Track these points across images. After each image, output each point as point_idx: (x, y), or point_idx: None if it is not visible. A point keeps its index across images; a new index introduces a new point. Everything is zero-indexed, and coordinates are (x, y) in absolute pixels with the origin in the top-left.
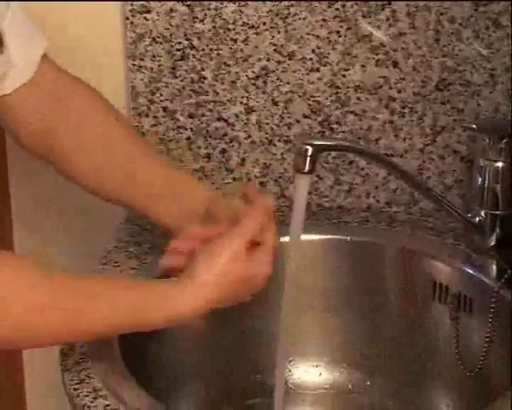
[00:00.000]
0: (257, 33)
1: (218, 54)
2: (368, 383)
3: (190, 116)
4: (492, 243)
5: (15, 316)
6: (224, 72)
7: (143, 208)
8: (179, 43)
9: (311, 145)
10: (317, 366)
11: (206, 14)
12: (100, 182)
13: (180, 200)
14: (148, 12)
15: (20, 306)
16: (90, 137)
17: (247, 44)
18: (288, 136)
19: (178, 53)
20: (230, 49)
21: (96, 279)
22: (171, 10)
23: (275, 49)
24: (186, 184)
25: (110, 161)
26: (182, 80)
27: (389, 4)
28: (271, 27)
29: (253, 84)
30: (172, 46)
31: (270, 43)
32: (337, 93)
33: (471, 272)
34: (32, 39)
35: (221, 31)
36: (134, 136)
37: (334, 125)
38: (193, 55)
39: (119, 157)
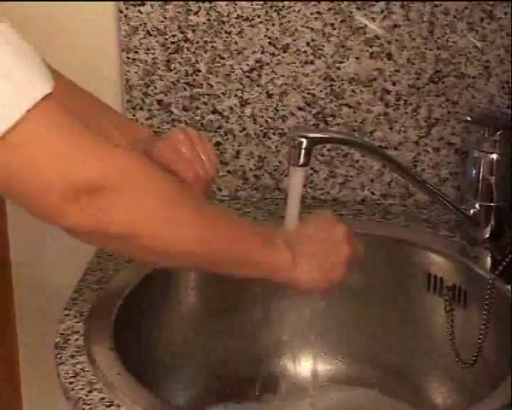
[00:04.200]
0: (251, 26)
1: (213, 47)
2: (362, 375)
3: (185, 109)
4: (487, 235)
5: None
6: (218, 64)
7: None
8: (173, 36)
9: (306, 138)
10: (312, 358)
11: (200, 7)
12: None
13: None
14: (143, 5)
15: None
16: None
17: (241, 37)
18: (282, 128)
19: (173, 46)
20: (225, 41)
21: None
22: (166, 3)
23: (269, 42)
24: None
25: None
26: (176, 73)
27: None
28: (266, 20)
29: (248, 77)
30: (167, 39)
31: (265, 35)
32: (331, 86)
33: (466, 263)
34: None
35: (215, 23)
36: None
37: (329, 118)
38: (187, 47)
39: None
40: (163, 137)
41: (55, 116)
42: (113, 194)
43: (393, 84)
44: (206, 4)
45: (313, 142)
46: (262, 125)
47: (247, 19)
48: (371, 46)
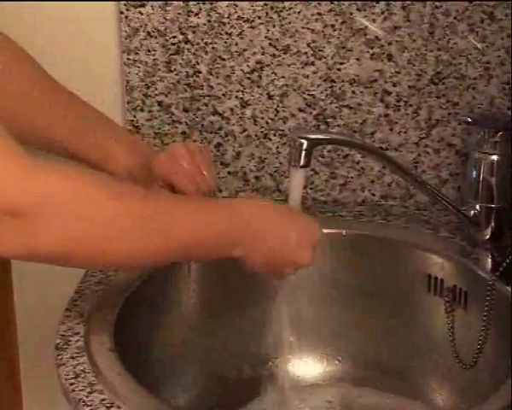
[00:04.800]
0: (252, 27)
1: (213, 48)
2: (363, 375)
3: (185, 110)
4: (487, 236)
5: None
6: (219, 66)
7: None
8: (174, 37)
9: (307, 139)
10: (312, 359)
11: (201, 8)
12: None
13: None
14: (143, 6)
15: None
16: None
17: (242, 38)
18: (283, 130)
19: (173, 47)
20: (225, 43)
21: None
22: (166, 4)
23: (270, 43)
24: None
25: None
26: (177, 74)
27: None
28: (266, 21)
29: (248, 78)
30: (167, 40)
31: (265, 36)
32: (332, 87)
33: (466, 264)
34: None
35: (216, 25)
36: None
37: (330, 119)
38: (188, 49)
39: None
40: (163, 151)
41: None
42: (36, 218)
43: (394, 85)
44: (207, 5)
45: (314, 143)
46: (262, 127)
47: (248, 20)
48: (372, 47)
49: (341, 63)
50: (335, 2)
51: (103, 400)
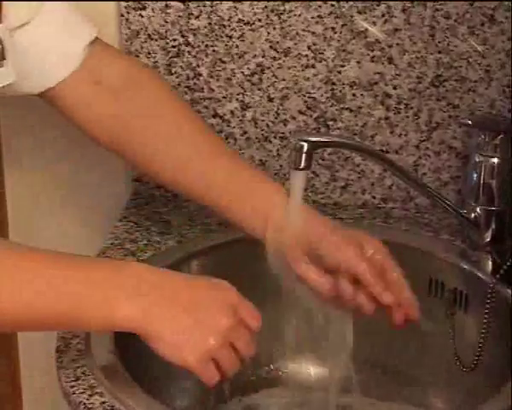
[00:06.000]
0: (252, 30)
1: (214, 50)
2: (362, 378)
3: None
4: (488, 239)
5: None
6: (219, 68)
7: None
8: (174, 39)
9: (307, 142)
10: (311, 361)
11: (201, 11)
12: (172, 175)
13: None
14: (144, 9)
15: None
16: (160, 127)
17: (242, 41)
18: (283, 132)
19: (174, 50)
20: (226, 45)
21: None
22: (167, 7)
23: (270, 46)
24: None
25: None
26: (177, 77)
27: (384, 1)
28: (267, 24)
29: (249, 81)
30: (168, 43)
31: (266, 39)
32: (332, 89)
33: (467, 267)
34: (74, 29)
35: (216, 27)
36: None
37: (330, 122)
38: (188, 51)
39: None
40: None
41: None
42: None
43: (394, 88)
44: (208, 8)
45: (314, 146)
46: (263, 129)
47: (248, 23)
48: (372, 50)
49: (342, 66)
50: (336, 5)
51: (103, 403)
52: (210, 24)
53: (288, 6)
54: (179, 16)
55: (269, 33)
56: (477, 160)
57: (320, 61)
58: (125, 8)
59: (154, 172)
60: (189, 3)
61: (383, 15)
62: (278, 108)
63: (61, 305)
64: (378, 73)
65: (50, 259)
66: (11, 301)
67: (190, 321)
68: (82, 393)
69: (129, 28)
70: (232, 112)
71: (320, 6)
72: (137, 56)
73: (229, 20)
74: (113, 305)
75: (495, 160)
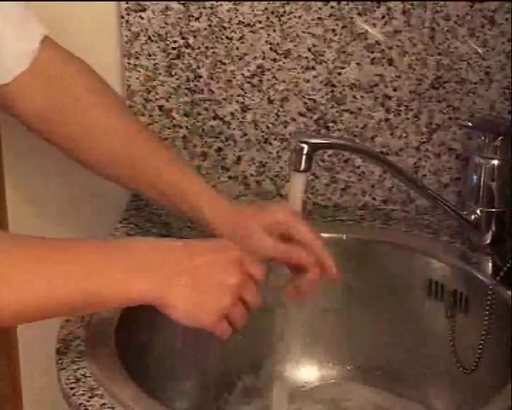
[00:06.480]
0: (252, 32)
1: (214, 52)
2: (363, 379)
3: (186, 115)
4: (488, 241)
5: None
6: (219, 70)
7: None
8: (175, 41)
9: (307, 143)
10: (312, 362)
11: (201, 13)
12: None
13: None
14: (144, 10)
15: None
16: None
17: (242, 43)
18: (283, 134)
19: (174, 51)
20: (226, 47)
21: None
22: (167, 9)
23: (270, 48)
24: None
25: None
26: (177, 79)
27: (384, 2)
28: (267, 26)
29: (249, 83)
30: (168, 45)
31: (266, 41)
32: (333, 91)
33: (467, 269)
34: (27, 28)
35: (216, 29)
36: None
37: (330, 124)
38: (188, 53)
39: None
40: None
41: None
42: None
43: (394, 89)
44: (208, 10)
45: (314, 147)
46: (263, 131)
47: (249, 24)
48: (372, 52)
49: (342, 68)
50: (336, 7)
51: (104, 404)
52: (210, 26)
53: (288, 8)
54: (179, 18)
55: (269, 35)
56: (477, 161)
57: (320, 63)
58: (126, 9)
59: (91, 165)
60: (189, 5)
61: (383, 17)
62: (278, 110)
63: (76, 287)
64: (378, 74)
65: (57, 246)
66: (24, 290)
67: (202, 287)
68: (82, 395)
69: (129, 30)
70: (232, 114)
71: (320, 8)
72: (137, 58)
73: (229, 21)
74: (128, 283)
75: (495, 161)
